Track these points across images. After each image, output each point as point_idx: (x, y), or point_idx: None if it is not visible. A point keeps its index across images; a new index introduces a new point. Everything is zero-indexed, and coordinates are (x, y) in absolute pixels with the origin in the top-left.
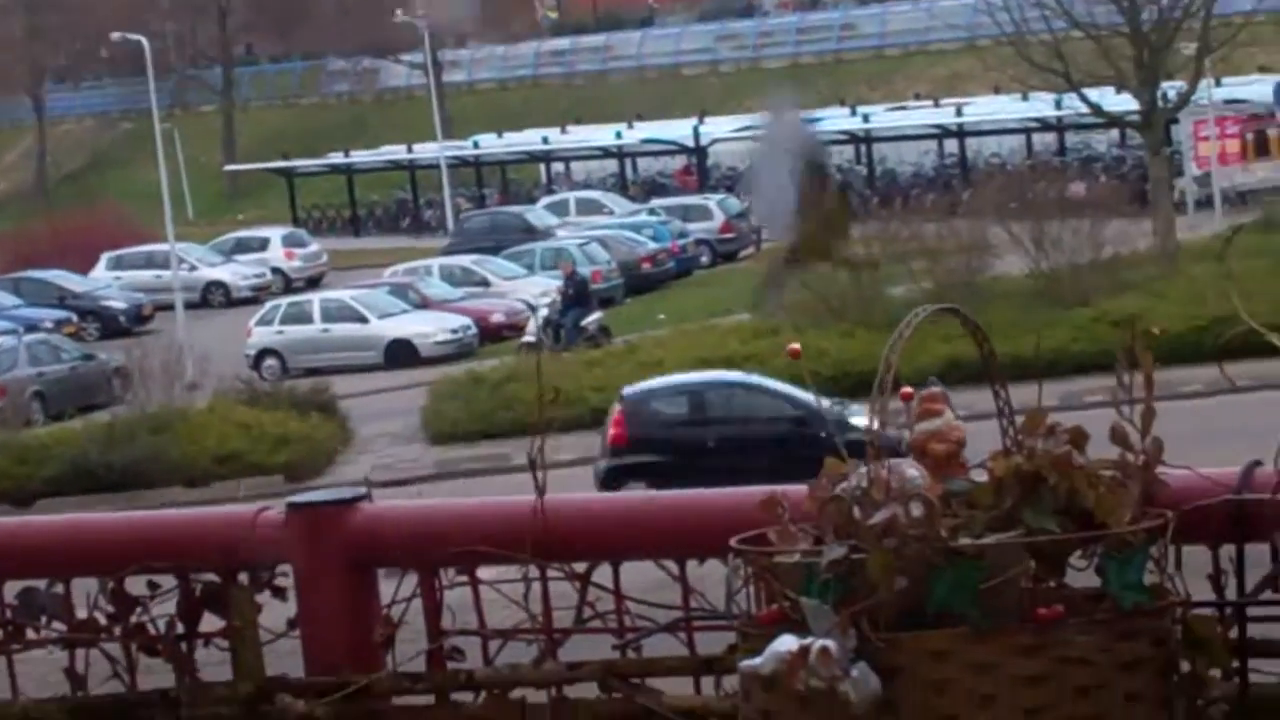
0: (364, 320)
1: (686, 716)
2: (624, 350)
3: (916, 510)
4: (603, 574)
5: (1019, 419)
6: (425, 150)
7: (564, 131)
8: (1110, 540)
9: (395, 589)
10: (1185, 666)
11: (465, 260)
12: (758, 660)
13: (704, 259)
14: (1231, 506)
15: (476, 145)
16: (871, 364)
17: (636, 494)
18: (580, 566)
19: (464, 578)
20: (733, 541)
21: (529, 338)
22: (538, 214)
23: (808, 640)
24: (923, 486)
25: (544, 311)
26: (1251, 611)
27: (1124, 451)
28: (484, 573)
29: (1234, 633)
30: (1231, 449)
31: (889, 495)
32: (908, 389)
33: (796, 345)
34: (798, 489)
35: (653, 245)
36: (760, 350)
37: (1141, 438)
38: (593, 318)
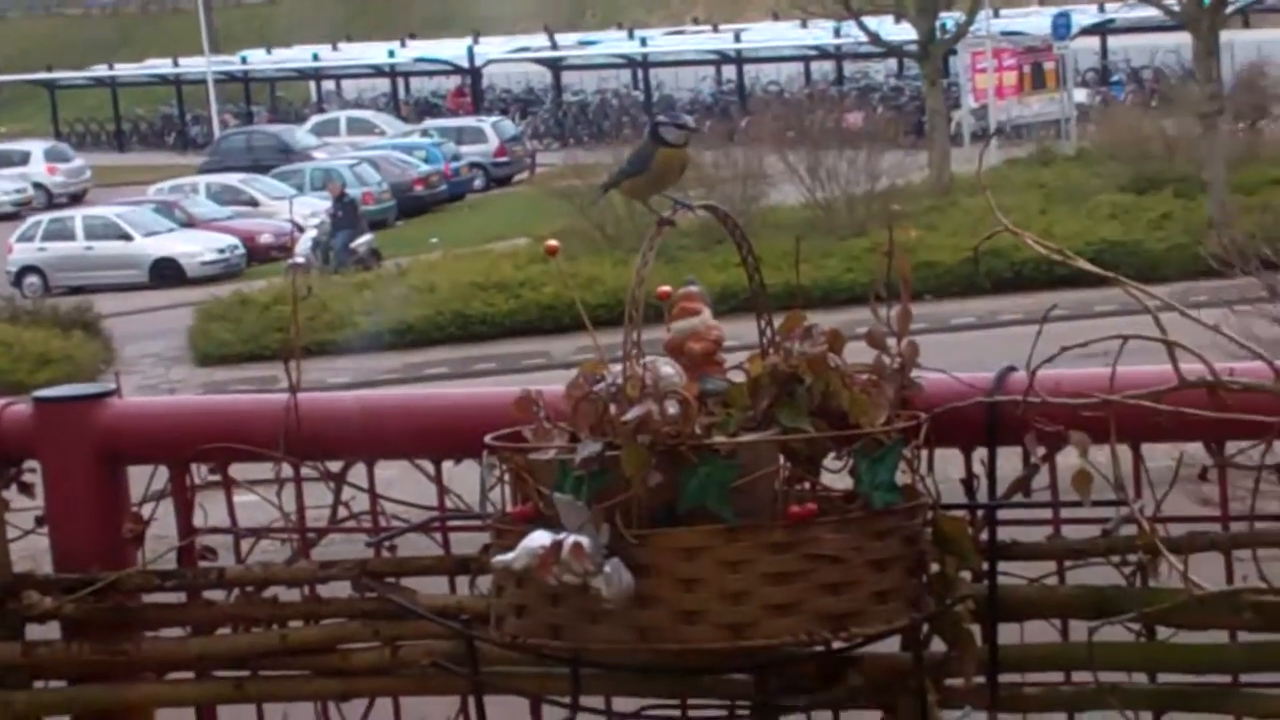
0: (128, 238)
1: (440, 614)
2: (395, 273)
3: (671, 408)
4: (358, 474)
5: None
6: (192, 65)
7: (335, 49)
8: (864, 441)
9: (146, 485)
10: (935, 567)
11: (233, 179)
12: (510, 555)
13: (478, 183)
14: (984, 410)
15: (245, 61)
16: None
17: (391, 393)
18: (335, 466)
19: (216, 476)
20: (487, 439)
21: (298, 259)
22: (297, 134)
23: (561, 536)
24: (679, 385)
25: (313, 233)
26: (1002, 515)
27: (879, 354)
28: (237, 471)
29: (984, 535)
30: None
31: (644, 393)
32: (665, 288)
33: (554, 241)
34: (554, 389)
35: (425, 167)
36: (534, 275)
37: (897, 340)
38: (363, 240)
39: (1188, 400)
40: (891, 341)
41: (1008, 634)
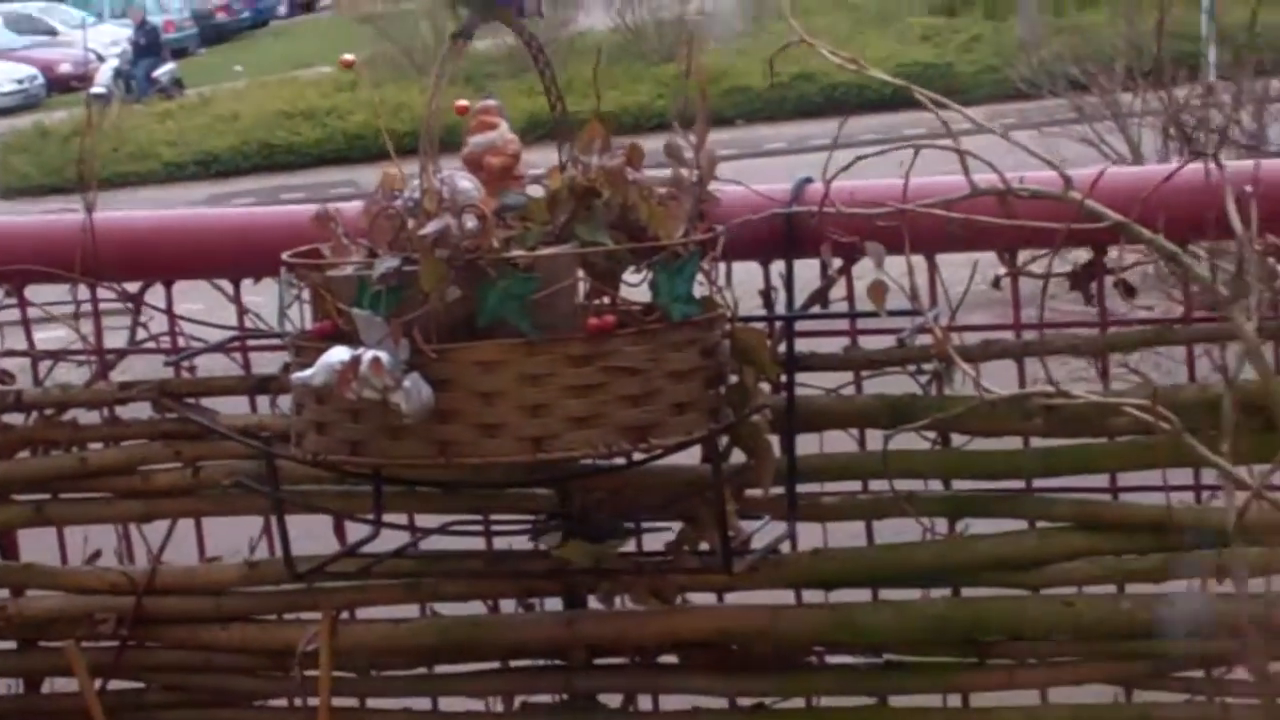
0: None
1: (242, 434)
2: (199, 103)
3: (470, 222)
4: (156, 294)
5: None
6: None
7: None
8: (662, 254)
9: None
10: (734, 378)
11: (30, 7)
12: (309, 372)
13: (282, 9)
14: (781, 222)
15: None
16: (452, 118)
17: (188, 212)
18: (133, 287)
19: (12, 300)
20: (284, 256)
21: (98, 89)
22: None
23: (359, 351)
24: (476, 199)
25: (114, 62)
26: (800, 326)
27: (677, 167)
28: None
29: (782, 347)
30: None
31: (442, 207)
32: (462, 102)
33: (349, 56)
34: (353, 205)
35: None
36: (341, 104)
37: (695, 153)
38: (165, 69)
39: (980, 209)
40: (690, 154)
41: (806, 444)
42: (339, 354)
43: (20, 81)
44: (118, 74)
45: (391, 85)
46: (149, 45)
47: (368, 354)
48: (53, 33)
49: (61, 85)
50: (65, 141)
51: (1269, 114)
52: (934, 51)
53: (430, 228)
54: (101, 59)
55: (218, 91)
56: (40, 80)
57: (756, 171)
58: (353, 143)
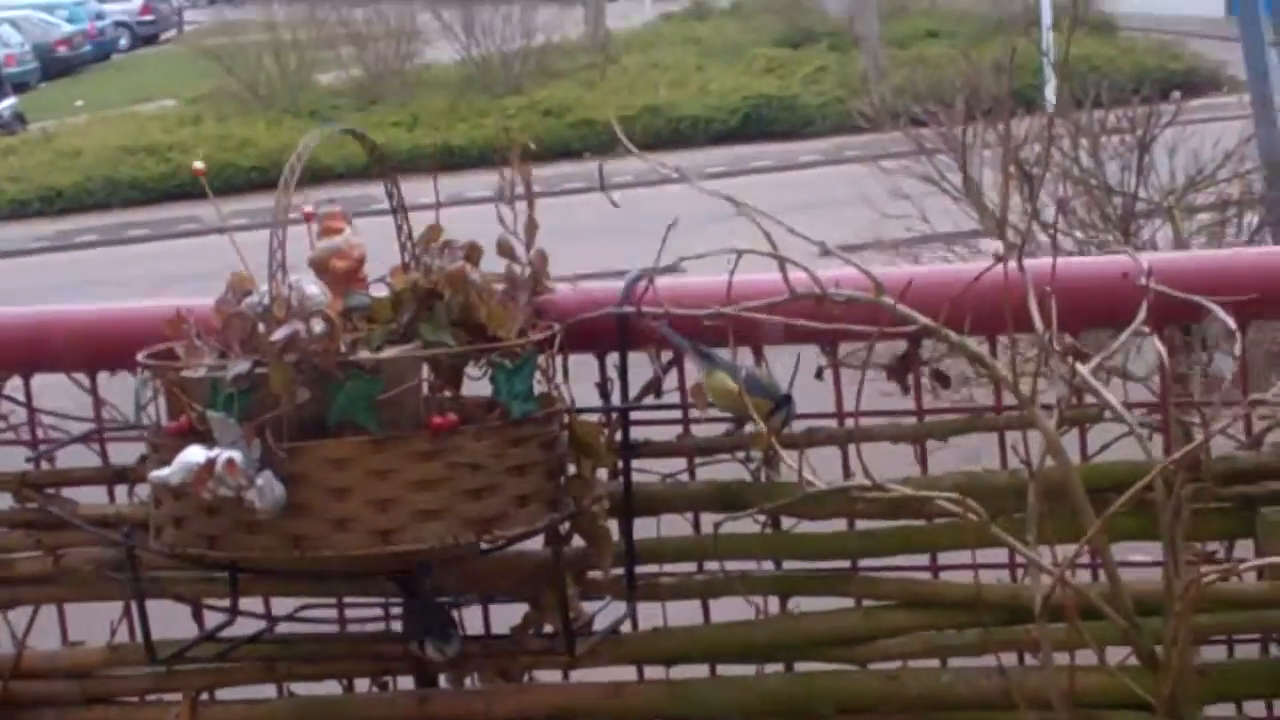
0: None
1: (101, 523)
2: (41, 138)
3: (318, 327)
4: (14, 386)
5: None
6: None
7: None
8: (501, 351)
9: None
10: (573, 468)
11: None
12: (167, 471)
13: (123, 42)
14: (614, 319)
15: None
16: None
17: (47, 308)
18: None
19: None
20: (140, 356)
21: None
22: None
23: (214, 452)
24: (324, 303)
25: None
26: (635, 415)
27: (510, 263)
28: None
29: (619, 435)
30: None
31: (290, 313)
32: (308, 208)
33: (200, 164)
34: (204, 304)
35: (68, 27)
36: (183, 138)
37: (526, 250)
38: (6, 103)
39: (801, 308)
40: (520, 249)
41: (644, 528)
42: (195, 454)
43: None
44: None
45: (236, 119)
46: None
47: (222, 455)
48: None
49: None
50: None
51: (1104, 150)
52: (779, 84)
53: (279, 334)
54: None
55: (60, 126)
56: None
57: (603, 203)
58: (196, 178)
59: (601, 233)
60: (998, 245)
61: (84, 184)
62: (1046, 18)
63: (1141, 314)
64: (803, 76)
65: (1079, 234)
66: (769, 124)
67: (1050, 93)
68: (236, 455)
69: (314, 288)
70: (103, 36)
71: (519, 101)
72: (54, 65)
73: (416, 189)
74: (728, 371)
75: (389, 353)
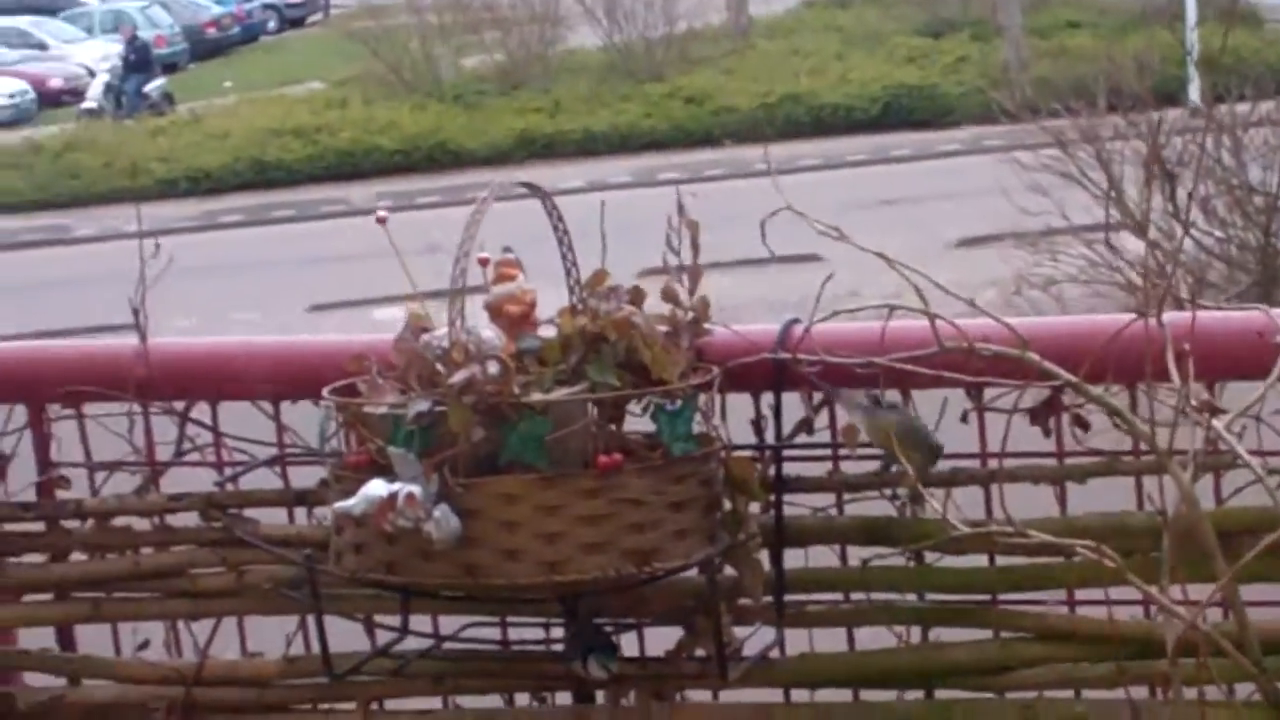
0: None
1: (281, 543)
2: (189, 119)
3: (493, 369)
4: (204, 413)
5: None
6: None
7: None
8: (663, 395)
9: (4, 421)
10: (728, 504)
11: (21, 21)
12: (350, 502)
13: (271, 24)
14: (769, 364)
15: None
16: (442, 136)
17: (235, 340)
18: (181, 405)
19: (70, 411)
20: (325, 392)
21: (90, 104)
22: None
23: (395, 486)
24: (498, 347)
25: (105, 77)
26: (787, 452)
27: (674, 308)
28: (90, 408)
29: (771, 471)
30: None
31: (468, 357)
32: (484, 255)
33: (383, 213)
34: (384, 340)
35: (217, 9)
36: (330, 120)
37: (689, 296)
38: (156, 84)
39: (948, 360)
40: (684, 295)
41: (794, 559)
42: (377, 488)
43: (12, 96)
44: (108, 89)
45: (381, 103)
46: (139, 61)
47: (403, 490)
48: (43, 47)
49: (52, 100)
50: (56, 157)
51: (1246, 151)
52: (919, 73)
53: (458, 377)
54: (93, 74)
55: (208, 108)
56: (31, 95)
57: (742, 194)
58: (343, 160)
59: (739, 220)
60: (1138, 249)
61: (231, 165)
62: (1192, 14)
63: (1276, 371)
64: (944, 66)
65: (1218, 233)
66: (909, 113)
67: (1194, 90)
68: (416, 489)
69: (489, 332)
70: (251, 19)
71: (661, 88)
72: (202, 47)
73: (560, 173)
74: (889, 421)
75: (558, 394)
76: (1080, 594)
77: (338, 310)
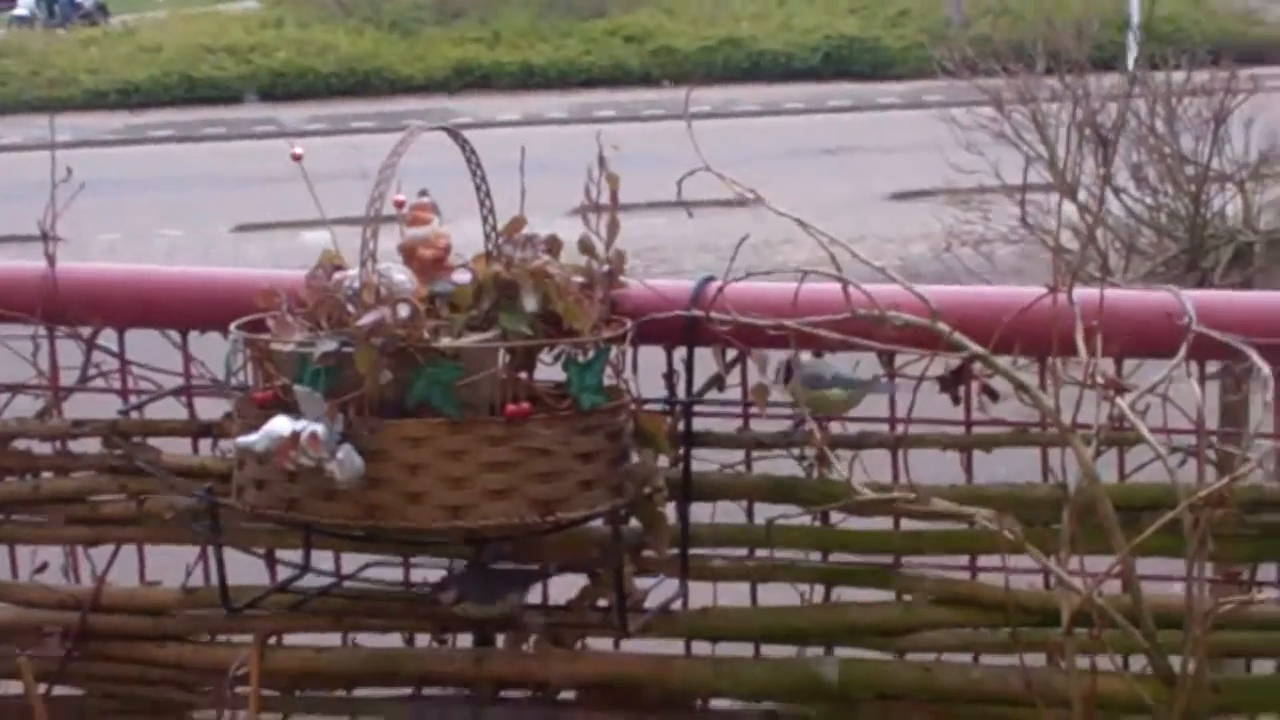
0: None
1: (184, 474)
2: (122, 32)
3: (403, 312)
4: (111, 340)
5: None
6: None
7: None
8: (575, 346)
9: None
10: (635, 457)
11: None
12: (253, 438)
13: None
14: (682, 320)
15: None
16: (378, 62)
17: (143, 268)
18: (87, 331)
19: None
20: (233, 326)
21: (21, 11)
22: None
23: (299, 424)
24: (410, 290)
25: None
26: (697, 408)
27: (590, 259)
28: None
29: (681, 426)
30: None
31: (379, 299)
32: (400, 197)
33: (299, 150)
34: (295, 276)
35: None
36: (265, 40)
37: (606, 248)
38: None
39: (860, 326)
40: (600, 247)
41: (700, 514)
42: (281, 425)
43: None
44: None
45: (317, 25)
46: None
47: (307, 429)
48: None
49: None
50: None
51: (1180, 118)
52: (861, 24)
53: (367, 318)
54: None
55: (141, 20)
56: None
57: (682, 135)
58: (276, 80)
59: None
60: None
61: (161, 79)
62: None
63: (1182, 352)
64: (885, 19)
65: (1149, 200)
66: (849, 64)
67: (1132, 57)
68: (320, 429)
69: (401, 275)
70: None
71: (602, 25)
72: None
73: (496, 105)
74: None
75: (469, 340)
76: (983, 561)
77: (264, 231)
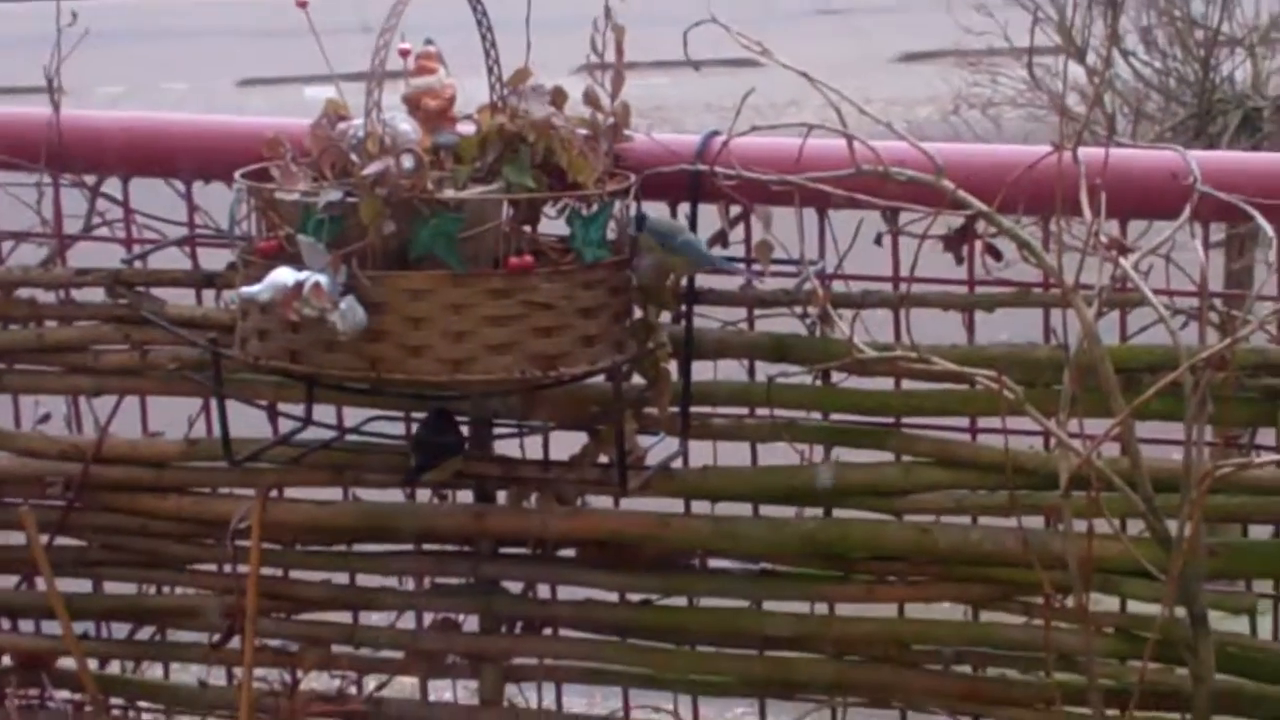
0: None
1: (187, 324)
2: None
3: (407, 163)
4: (115, 189)
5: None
6: None
7: None
8: (578, 200)
9: None
10: (639, 313)
11: None
12: (257, 288)
13: None
14: (687, 174)
15: None
16: None
17: (149, 115)
18: (91, 179)
19: None
20: (237, 175)
21: None
22: None
23: (303, 275)
24: (414, 140)
25: None
26: None
27: (595, 112)
28: None
29: (684, 282)
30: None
31: (383, 149)
32: (405, 45)
33: None
34: (300, 125)
35: None
36: None
37: (610, 100)
38: None
39: (865, 183)
40: (605, 99)
41: (701, 372)
42: (284, 275)
43: None
44: None
45: None
46: None
47: (310, 279)
48: None
49: None
50: None
51: None
52: None
53: (371, 168)
54: None
55: None
56: None
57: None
58: None
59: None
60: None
61: None
62: None
63: (1186, 213)
64: None
65: (1157, 64)
66: None
67: None
68: (323, 279)
69: (406, 125)
70: None
71: None
72: None
73: None
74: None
75: (472, 192)
76: (982, 423)
77: (268, 86)
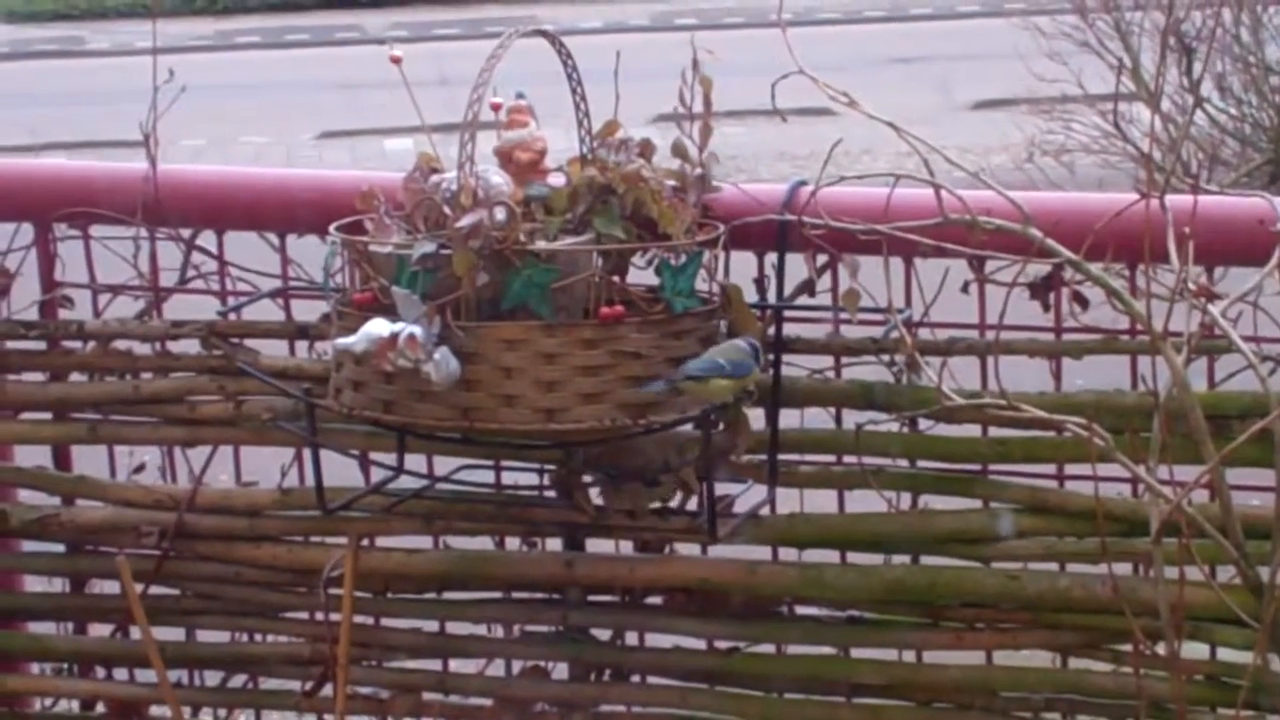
0: None
1: (280, 375)
2: None
3: (500, 215)
4: (210, 242)
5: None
6: None
7: None
8: (668, 250)
9: (10, 239)
10: None
11: None
12: (352, 339)
13: None
14: (774, 224)
15: None
16: None
17: (241, 170)
18: (187, 233)
19: (76, 231)
20: (332, 228)
21: None
22: None
23: (397, 326)
24: (506, 193)
25: None
26: (788, 313)
27: (683, 163)
28: (97, 230)
29: (771, 331)
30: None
31: (476, 202)
32: (497, 100)
33: (398, 52)
34: (390, 178)
35: None
36: None
37: (699, 152)
38: None
39: (952, 232)
40: (694, 151)
41: (789, 420)
42: (379, 327)
43: None
44: None
45: None
46: None
47: (405, 330)
48: None
49: None
50: None
51: (1265, 29)
52: None
53: (465, 221)
54: None
55: None
56: None
57: (759, 43)
58: None
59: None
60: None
61: None
62: None
63: (1274, 260)
64: None
65: (1233, 110)
66: None
67: None
68: (418, 330)
69: (498, 178)
70: None
71: None
72: None
73: (578, 12)
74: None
75: (564, 243)
76: (1070, 469)
77: (348, 138)
